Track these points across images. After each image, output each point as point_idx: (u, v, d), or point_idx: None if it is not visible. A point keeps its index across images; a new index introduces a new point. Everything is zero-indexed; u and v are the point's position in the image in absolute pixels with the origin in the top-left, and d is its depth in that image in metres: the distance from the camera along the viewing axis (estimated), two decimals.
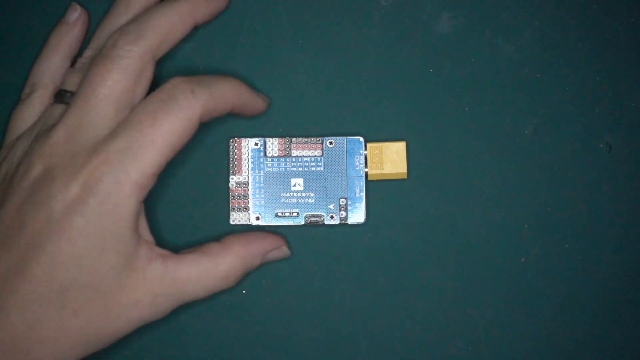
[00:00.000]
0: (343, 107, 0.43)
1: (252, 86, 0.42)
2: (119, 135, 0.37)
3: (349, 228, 0.42)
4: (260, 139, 0.42)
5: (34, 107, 0.41)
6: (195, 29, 0.40)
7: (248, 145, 0.42)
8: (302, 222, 0.42)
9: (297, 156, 0.42)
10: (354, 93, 0.43)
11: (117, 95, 0.38)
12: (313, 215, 0.42)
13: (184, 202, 0.42)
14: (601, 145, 0.43)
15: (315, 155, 0.42)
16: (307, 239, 0.42)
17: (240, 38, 0.43)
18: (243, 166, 0.42)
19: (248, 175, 0.42)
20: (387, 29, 0.43)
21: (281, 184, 0.42)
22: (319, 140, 0.42)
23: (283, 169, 0.42)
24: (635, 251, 0.42)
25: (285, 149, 0.42)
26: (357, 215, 0.42)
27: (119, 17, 0.41)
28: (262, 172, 0.42)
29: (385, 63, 0.43)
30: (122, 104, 0.38)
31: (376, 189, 0.42)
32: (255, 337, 0.42)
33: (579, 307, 0.42)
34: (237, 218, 0.42)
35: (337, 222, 0.42)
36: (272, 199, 0.42)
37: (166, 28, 0.39)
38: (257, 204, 0.42)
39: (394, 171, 0.42)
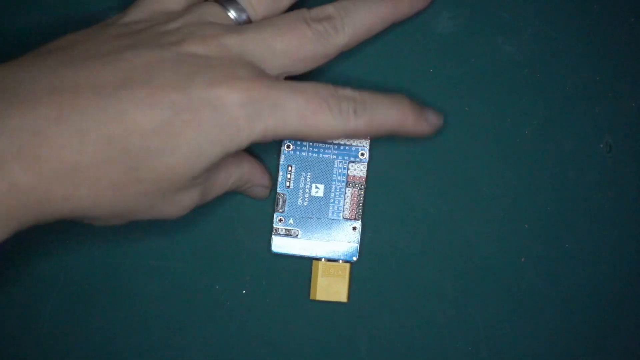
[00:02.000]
0: None
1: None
2: (284, 91, 0.36)
3: (368, 227, 0.42)
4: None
5: None
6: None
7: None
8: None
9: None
10: None
11: (295, 58, 0.38)
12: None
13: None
14: (601, 145, 0.43)
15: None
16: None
17: None
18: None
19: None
20: (387, 29, 0.43)
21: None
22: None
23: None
24: (635, 251, 0.42)
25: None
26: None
27: None
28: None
29: (385, 63, 0.43)
30: (294, 65, 0.38)
31: (376, 189, 0.42)
32: (255, 337, 0.42)
33: (579, 307, 0.42)
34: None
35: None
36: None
37: (367, 27, 0.40)
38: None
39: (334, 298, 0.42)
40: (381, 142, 0.42)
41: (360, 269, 0.42)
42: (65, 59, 0.35)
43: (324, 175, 0.42)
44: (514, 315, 0.42)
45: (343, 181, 0.42)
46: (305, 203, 0.42)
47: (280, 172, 0.42)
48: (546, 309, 0.42)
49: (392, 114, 0.39)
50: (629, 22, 0.43)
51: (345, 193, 0.42)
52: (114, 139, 0.34)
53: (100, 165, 0.34)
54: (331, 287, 0.42)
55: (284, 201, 0.42)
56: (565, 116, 0.43)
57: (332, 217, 0.42)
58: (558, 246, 0.42)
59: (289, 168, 0.42)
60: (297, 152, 0.42)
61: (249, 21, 0.39)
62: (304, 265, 0.42)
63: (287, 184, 0.42)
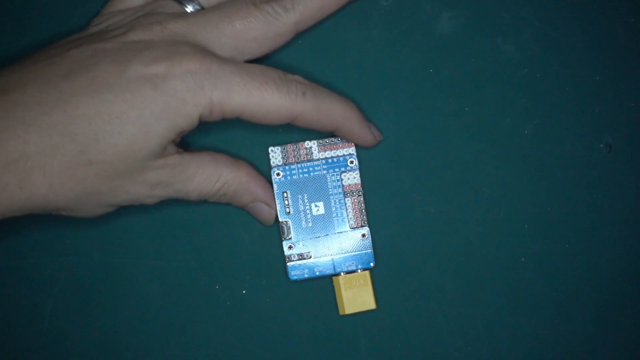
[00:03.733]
0: None
1: None
2: (232, 64, 0.38)
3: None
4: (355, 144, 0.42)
5: None
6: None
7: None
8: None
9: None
10: (353, 93, 0.43)
11: (246, 38, 0.39)
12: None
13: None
14: (601, 145, 0.43)
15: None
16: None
17: None
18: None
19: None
20: (387, 29, 0.43)
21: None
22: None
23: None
24: (635, 251, 0.42)
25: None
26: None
27: None
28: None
29: (385, 63, 0.43)
30: (246, 46, 0.39)
31: (374, 193, 0.42)
32: (255, 337, 0.42)
33: (579, 307, 0.42)
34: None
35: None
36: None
37: (318, 5, 0.40)
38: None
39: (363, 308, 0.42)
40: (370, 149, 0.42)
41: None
42: (17, 66, 0.38)
43: (320, 192, 0.42)
44: (514, 315, 0.42)
45: (340, 193, 0.42)
46: (310, 224, 0.42)
47: (278, 201, 0.42)
48: (546, 308, 0.42)
49: (339, 108, 0.40)
50: (629, 22, 0.43)
51: (346, 204, 0.42)
52: (57, 126, 0.36)
53: (47, 151, 0.36)
54: (357, 298, 0.42)
55: (289, 228, 0.42)
56: (565, 116, 0.43)
57: (340, 231, 0.42)
58: (558, 246, 0.42)
59: (285, 194, 0.42)
60: (288, 177, 0.42)
61: None
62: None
63: (287, 210, 0.42)
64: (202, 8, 0.40)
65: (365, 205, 0.42)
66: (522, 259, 0.42)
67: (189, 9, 0.40)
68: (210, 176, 0.39)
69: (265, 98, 0.38)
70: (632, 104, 0.43)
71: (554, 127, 0.43)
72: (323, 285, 0.42)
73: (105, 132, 0.36)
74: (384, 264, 0.42)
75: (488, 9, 0.43)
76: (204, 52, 0.38)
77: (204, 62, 0.37)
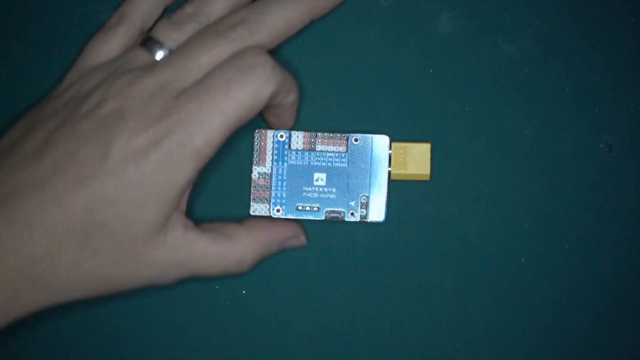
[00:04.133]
0: (341, 107, 0.43)
1: None
2: (192, 97, 0.37)
3: (368, 226, 0.42)
4: (285, 131, 0.42)
5: (115, 39, 0.40)
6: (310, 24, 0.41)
7: (273, 137, 0.42)
8: (322, 217, 0.42)
9: (321, 151, 0.42)
10: (354, 93, 0.43)
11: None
12: (334, 211, 0.42)
13: (206, 190, 0.42)
14: (601, 145, 0.43)
15: (340, 152, 0.42)
16: (326, 235, 0.42)
17: None
18: (267, 157, 0.42)
19: (271, 167, 0.42)
20: (387, 29, 0.43)
21: (304, 178, 0.42)
22: (344, 136, 0.42)
23: (307, 163, 0.42)
24: (635, 251, 0.42)
25: (310, 142, 0.42)
26: (377, 214, 0.42)
27: None
28: (285, 164, 0.42)
29: (384, 63, 0.43)
30: None
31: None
32: (255, 337, 0.42)
33: (579, 307, 0.42)
34: (257, 209, 0.42)
35: (357, 219, 0.42)
36: (294, 192, 0.42)
37: (284, 25, 0.39)
38: (279, 196, 0.42)
39: (417, 172, 0.42)
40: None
41: (360, 269, 0.42)
42: (5, 163, 0.37)
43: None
44: (514, 315, 0.42)
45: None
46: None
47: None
48: (546, 309, 0.42)
49: (294, 81, 0.39)
50: (629, 22, 0.43)
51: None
52: (58, 224, 0.36)
53: (53, 250, 0.36)
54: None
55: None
56: (565, 116, 0.43)
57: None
58: (558, 246, 0.42)
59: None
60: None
61: None
62: (304, 265, 0.42)
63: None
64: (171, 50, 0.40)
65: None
66: (522, 259, 0.42)
67: (159, 55, 0.39)
68: (223, 251, 0.39)
69: (240, 100, 0.37)
70: (632, 104, 0.43)
71: (554, 127, 0.43)
72: (323, 285, 0.42)
73: (102, 221, 0.36)
74: (384, 264, 0.42)
75: (488, 9, 0.43)
76: (173, 106, 0.37)
77: (174, 119, 0.36)
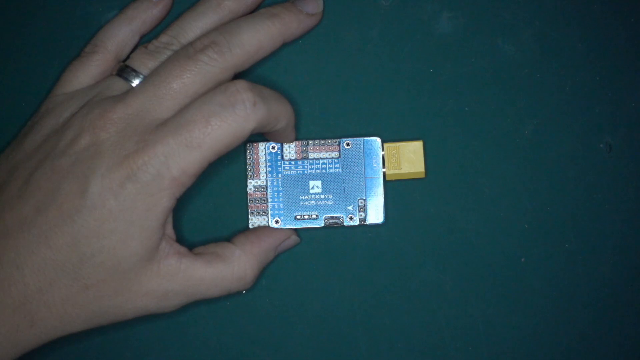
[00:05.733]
0: (340, 107, 0.43)
1: None
2: (170, 131, 0.37)
3: (367, 228, 0.42)
4: (276, 142, 0.42)
5: (90, 67, 0.41)
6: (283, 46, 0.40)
7: (265, 149, 0.42)
8: (322, 224, 0.42)
9: (314, 158, 0.42)
10: (354, 93, 0.43)
11: (187, 95, 0.38)
12: (332, 217, 0.42)
13: (203, 208, 0.42)
14: (601, 145, 0.43)
15: (333, 157, 0.42)
16: (326, 239, 0.42)
17: None
18: (261, 170, 0.42)
19: (266, 179, 0.42)
20: (387, 29, 0.43)
21: (300, 187, 0.42)
22: (336, 141, 0.42)
23: (301, 172, 0.42)
24: (635, 251, 0.42)
25: (302, 151, 0.42)
26: (376, 216, 0.42)
27: (206, 15, 0.40)
28: (279, 175, 0.42)
29: (384, 64, 0.43)
30: (187, 102, 0.38)
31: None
32: (255, 337, 0.42)
33: (579, 307, 0.42)
34: (256, 222, 0.42)
35: (356, 222, 0.42)
36: (291, 202, 0.42)
37: (255, 46, 0.39)
38: (276, 207, 0.42)
39: (411, 171, 0.42)
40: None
41: (361, 271, 0.42)
42: None
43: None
44: (514, 315, 0.42)
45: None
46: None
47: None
48: (546, 309, 0.42)
49: (284, 110, 0.39)
50: (629, 22, 0.43)
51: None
52: (47, 262, 0.37)
53: (45, 288, 0.37)
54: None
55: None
56: (565, 116, 0.43)
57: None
58: (558, 246, 0.42)
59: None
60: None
61: None
62: (305, 268, 0.42)
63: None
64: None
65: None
66: (522, 259, 0.42)
67: (135, 83, 0.40)
68: (221, 272, 0.39)
69: (218, 136, 0.37)
70: (632, 104, 0.43)
71: (554, 127, 0.43)
72: (324, 286, 0.42)
73: (89, 254, 0.37)
74: (384, 265, 0.42)
75: (488, 9, 0.43)
76: (149, 139, 0.37)
77: (151, 151, 0.37)
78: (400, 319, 0.42)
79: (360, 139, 0.42)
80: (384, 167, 0.42)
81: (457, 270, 0.42)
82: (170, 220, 0.39)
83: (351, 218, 0.42)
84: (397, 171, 0.42)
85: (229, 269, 0.39)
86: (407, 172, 0.42)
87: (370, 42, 0.43)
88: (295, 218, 0.42)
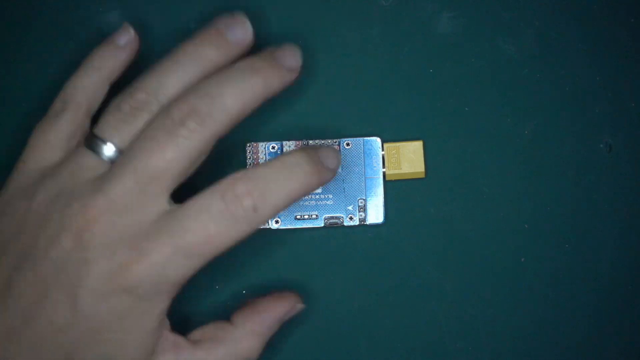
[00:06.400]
0: (341, 107, 0.43)
1: None
2: (166, 240, 0.34)
3: (367, 228, 0.42)
4: (276, 142, 0.42)
5: (61, 127, 0.37)
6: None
7: (265, 149, 0.42)
8: (322, 225, 0.42)
9: None
10: (354, 93, 0.43)
11: (172, 177, 0.35)
12: (332, 217, 0.42)
13: None
14: (601, 145, 0.43)
15: None
16: (326, 240, 0.42)
17: None
18: None
19: None
20: (387, 29, 0.43)
21: None
22: (336, 141, 0.42)
23: None
24: (635, 251, 0.42)
25: None
26: (376, 216, 0.42)
27: (186, 66, 0.36)
28: None
29: (384, 64, 0.43)
30: (174, 184, 0.35)
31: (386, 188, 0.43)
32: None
33: (579, 307, 0.42)
34: None
35: (357, 222, 0.42)
36: None
37: (239, 109, 0.35)
38: None
39: (411, 171, 0.42)
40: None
41: (360, 269, 0.42)
42: None
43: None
44: (514, 315, 0.42)
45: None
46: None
47: None
48: (546, 309, 0.42)
49: (296, 190, 0.35)
50: (629, 22, 0.43)
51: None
52: None
53: None
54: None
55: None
56: (565, 116, 0.43)
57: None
58: (558, 246, 0.42)
59: None
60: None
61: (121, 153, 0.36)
62: (305, 268, 0.42)
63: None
64: (119, 150, 0.36)
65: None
66: (522, 259, 0.42)
67: (108, 153, 0.36)
68: (227, 355, 0.37)
69: (218, 244, 0.34)
70: (632, 104, 0.43)
71: (554, 127, 0.43)
72: (324, 287, 0.42)
73: None
74: (384, 265, 0.42)
75: (488, 9, 0.43)
76: (142, 244, 0.34)
77: (146, 264, 0.34)
78: (400, 319, 0.42)
79: (360, 139, 0.42)
80: (383, 167, 0.42)
81: (457, 270, 0.42)
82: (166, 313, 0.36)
83: (351, 218, 0.42)
84: (397, 171, 0.42)
85: (232, 354, 0.37)
86: (407, 172, 0.42)
87: (370, 42, 0.43)
88: (295, 218, 0.42)
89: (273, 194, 0.35)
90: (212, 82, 0.35)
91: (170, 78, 0.36)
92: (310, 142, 0.42)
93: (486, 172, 0.43)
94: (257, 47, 0.43)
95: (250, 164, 0.42)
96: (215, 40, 0.36)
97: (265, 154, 0.42)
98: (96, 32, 0.43)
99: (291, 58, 0.37)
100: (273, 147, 0.42)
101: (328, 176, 0.36)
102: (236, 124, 0.36)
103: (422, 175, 0.42)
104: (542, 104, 0.43)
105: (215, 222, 0.34)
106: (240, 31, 0.37)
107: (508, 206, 0.43)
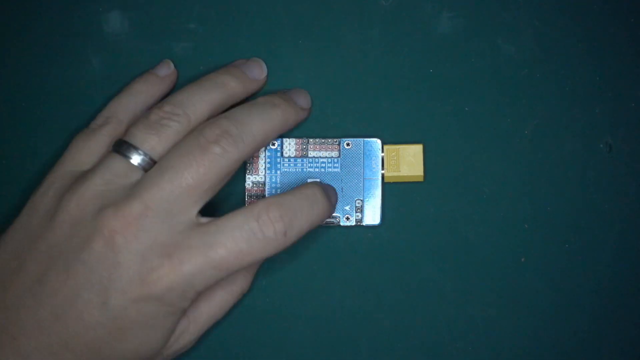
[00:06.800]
0: (340, 108, 0.43)
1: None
2: (198, 252, 0.36)
3: (364, 229, 0.42)
4: (277, 139, 0.42)
5: (102, 137, 0.40)
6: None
7: (265, 147, 0.42)
8: None
9: (314, 157, 0.42)
10: (354, 93, 0.43)
11: (204, 191, 0.37)
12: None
13: None
14: (601, 145, 0.43)
15: (332, 157, 0.42)
16: (322, 239, 0.42)
17: (239, 39, 0.43)
18: (260, 166, 0.42)
19: (264, 175, 0.42)
20: (387, 29, 0.43)
21: (298, 185, 0.42)
22: (336, 141, 0.42)
23: (300, 170, 0.42)
24: (635, 251, 0.42)
25: (302, 149, 0.42)
26: (373, 217, 0.42)
27: (211, 92, 0.40)
28: (278, 172, 0.42)
29: (384, 64, 0.43)
30: (205, 198, 0.38)
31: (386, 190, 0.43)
32: (255, 337, 0.42)
33: (579, 307, 0.42)
34: None
35: (353, 223, 0.42)
36: None
37: (263, 137, 0.39)
38: None
39: (410, 174, 0.42)
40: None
41: (358, 271, 0.42)
42: (7, 289, 0.37)
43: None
44: (514, 315, 0.42)
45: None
46: None
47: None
48: (546, 309, 0.42)
49: (314, 214, 0.38)
50: (629, 22, 0.43)
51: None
52: None
53: None
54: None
55: None
56: (565, 116, 0.43)
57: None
58: (558, 246, 0.42)
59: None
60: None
61: (152, 162, 0.38)
62: (302, 268, 0.42)
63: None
64: (151, 158, 0.38)
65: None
66: (522, 259, 0.42)
67: (134, 159, 0.38)
68: (224, 298, 0.40)
69: (248, 259, 0.37)
70: (632, 104, 0.43)
71: (554, 127, 0.43)
72: (322, 286, 0.42)
73: (112, 356, 0.37)
74: (381, 266, 0.42)
75: (488, 9, 0.43)
76: (173, 252, 0.36)
77: (178, 273, 0.36)
78: (400, 319, 0.42)
79: (361, 139, 0.42)
80: (382, 168, 0.42)
81: (457, 270, 0.42)
82: None
83: (348, 218, 0.42)
84: (395, 173, 0.42)
85: (228, 292, 0.40)
86: (405, 175, 0.42)
87: (370, 42, 0.43)
88: None
89: (300, 221, 0.38)
90: (241, 111, 0.39)
91: (196, 96, 0.39)
92: (311, 140, 0.42)
93: (486, 172, 0.43)
94: (258, 47, 0.43)
95: (250, 164, 0.42)
96: (236, 73, 0.41)
97: (264, 150, 0.42)
98: (96, 32, 0.43)
99: (303, 98, 0.42)
100: (273, 144, 0.42)
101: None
102: (257, 151, 0.40)
103: (421, 179, 0.42)
104: (542, 104, 0.43)
105: (247, 240, 0.37)
106: (257, 70, 0.42)
107: (508, 206, 0.43)
